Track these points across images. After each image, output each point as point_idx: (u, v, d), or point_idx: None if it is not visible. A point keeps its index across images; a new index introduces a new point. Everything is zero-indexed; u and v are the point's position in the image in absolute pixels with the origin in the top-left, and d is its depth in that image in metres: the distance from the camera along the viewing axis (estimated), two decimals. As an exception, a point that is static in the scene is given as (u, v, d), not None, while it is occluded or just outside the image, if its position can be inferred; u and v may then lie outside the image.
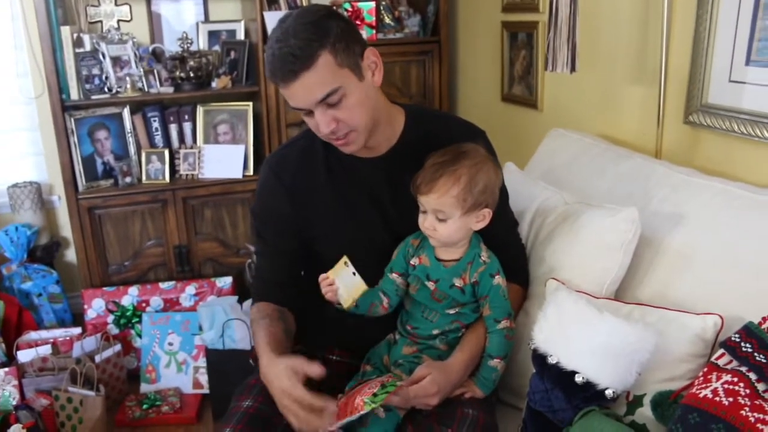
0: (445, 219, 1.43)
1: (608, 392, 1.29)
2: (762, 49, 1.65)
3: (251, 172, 3.15)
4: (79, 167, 2.96)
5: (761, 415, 1.10)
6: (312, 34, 1.31)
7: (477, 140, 1.55)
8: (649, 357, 1.29)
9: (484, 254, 1.50)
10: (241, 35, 3.27)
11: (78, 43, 2.95)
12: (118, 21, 3.20)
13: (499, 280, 1.48)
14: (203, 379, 2.79)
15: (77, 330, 2.86)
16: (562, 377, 1.33)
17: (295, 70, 1.31)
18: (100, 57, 2.96)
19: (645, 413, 1.33)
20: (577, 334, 1.34)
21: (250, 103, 3.18)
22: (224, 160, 3.12)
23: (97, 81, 2.97)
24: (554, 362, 1.35)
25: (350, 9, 3.04)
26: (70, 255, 3.35)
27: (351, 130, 1.41)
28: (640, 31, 2.06)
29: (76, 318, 3.16)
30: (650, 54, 2.01)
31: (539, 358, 1.39)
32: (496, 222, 1.52)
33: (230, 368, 2.54)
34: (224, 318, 2.65)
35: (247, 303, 2.87)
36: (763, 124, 1.65)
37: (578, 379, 1.31)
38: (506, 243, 1.61)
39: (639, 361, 1.29)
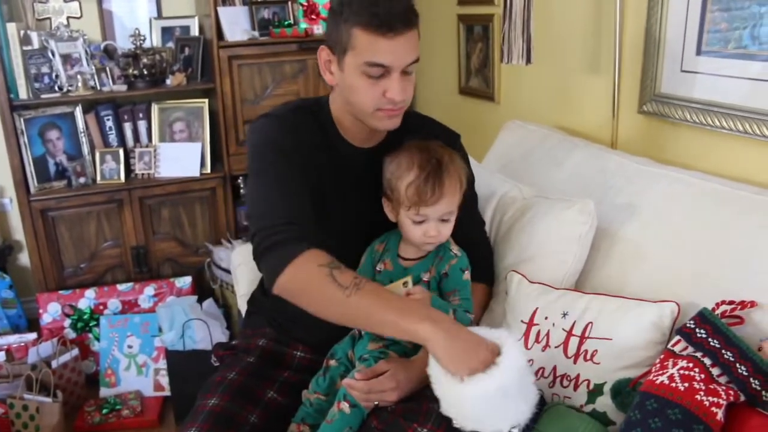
0: (449, 218, 1.43)
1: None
2: (712, 40, 1.69)
3: (208, 170, 3.11)
4: (30, 168, 2.89)
5: (715, 399, 1.13)
6: (410, 4, 1.37)
7: (455, 144, 1.58)
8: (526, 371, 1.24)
9: (454, 248, 1.50)
10: (195, 31, 3.22)
11: (25, 40, 2.88)
12: (68, 18, 3.12)
13: (467, 276, 1.48)
14: (164, 381, 2.75)
15: (32, 335, 2.79)
16: None
17: (407, 25, 1.33)
18: (50, 55, 2.88)
19: (605, 401, 1.34)
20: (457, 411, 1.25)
21: (206, 100, 3.13)
22: (181, 159, 3.07)
23: (46, 79, 2.90)
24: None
25: (306, 3, 3.01)
26: (24, 259, 3.26)
27: (405, 104, 1.43)
28: (593, 22, 2.08)
29: (31, 323, 3.08)
30: (604, 45, 2.04)
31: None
32: (465, 222, 1.52)
33: (191, 369, 2.50)
34: (184, 318, 2.61)
35: (207, 302, 2.84)
36: (714, 113, 1.68)
37: None
38: (475, 242, 1.62)
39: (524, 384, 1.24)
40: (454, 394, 1.21)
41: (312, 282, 1.30)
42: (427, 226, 1.42)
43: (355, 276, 1.29)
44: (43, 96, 2.88)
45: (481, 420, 1.21)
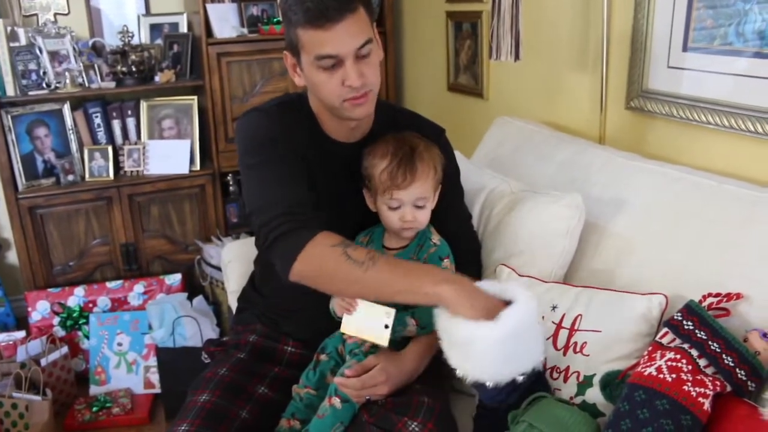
0: (424, 204, 1.46)
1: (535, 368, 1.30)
2: (698, 37, 1.70)
3: (198, 167, 3.10)
4: (18, 166, 2.87)
5: (702, 389, 1.14)
6: None
7: (440, 138, 1.60)
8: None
9: (434, 237, 1.52)
10: (183, 28, 3.21)
11: (12, 36, 2.86)
12: (55, 14, 3.10)
13: (447, 264, 1.50)
14: (154, 378, 2.75)
15: (21, 333, 2.78)
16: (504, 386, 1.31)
17: (342, 11, 1.32)
18: (37, 51, 2.87)
19: (595, 393, 1.35)
20: (482, 356, 1.26)
21: (195, 98, 3.13)
22: (170, 156, 3.07)
23: (34, 76, 2.88)
24: (491, 385, 1.29)
25: (295, 0, 3.01)
26: (12, 257, 3.24)
27: (370, 89, 1.41)
28: (581, 19, 2.09)
29: (20, 321, 3.06)
30: (592, 42, 2.05)
31: (477, 385, 1.32)
32: (452, 216, 1.53)
33: (182, 366, 2.50)
34: (174, 316, 2.61)
35: (197, 300, 2.84)
36: (700, 109, 1.70)
37: (519, 379, 1.28)
38: (462, 236, 1.64)
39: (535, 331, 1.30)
40: (480, 339, 1.22)
41: (328, 263, 1.31)
42: (402, 211, 1.45)
43: (368, 251, 1.32)
44: (30, 93, 2.87)
45: (498, 365, 1.26)
